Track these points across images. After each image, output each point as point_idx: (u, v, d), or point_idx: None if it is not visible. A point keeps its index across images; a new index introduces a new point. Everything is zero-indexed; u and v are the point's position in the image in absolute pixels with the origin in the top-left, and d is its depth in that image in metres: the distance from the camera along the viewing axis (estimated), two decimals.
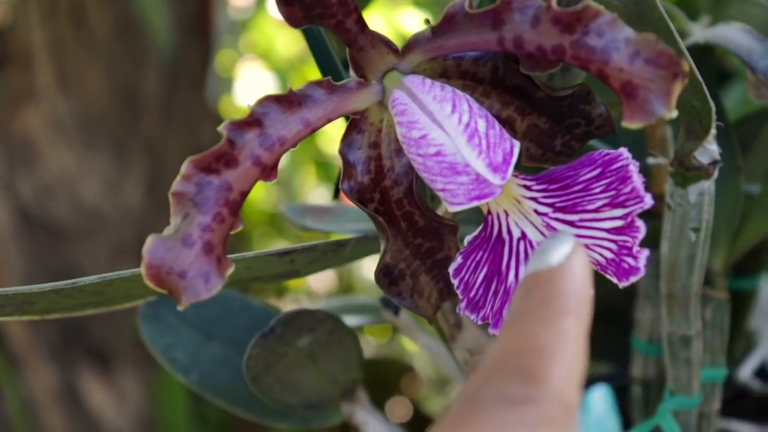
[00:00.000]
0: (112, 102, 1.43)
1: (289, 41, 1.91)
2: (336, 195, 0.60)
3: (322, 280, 1.77)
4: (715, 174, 0.51)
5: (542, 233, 0.44)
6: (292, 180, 1.81)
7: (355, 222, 0.59)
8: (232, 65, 1.90)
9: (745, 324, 0.72)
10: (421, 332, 0.68)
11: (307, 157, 1.87)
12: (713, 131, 0.50)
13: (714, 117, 0.49)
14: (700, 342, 0.57)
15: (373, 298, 0.69)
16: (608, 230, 0.43)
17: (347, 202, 0.63)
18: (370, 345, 1.67)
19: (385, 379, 1.60)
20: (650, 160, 0.57)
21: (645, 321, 0.65)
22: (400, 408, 1.60)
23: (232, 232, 0.42)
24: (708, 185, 0.52)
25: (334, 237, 0.54)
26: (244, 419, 0.64)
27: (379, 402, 0.63)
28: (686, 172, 0.52)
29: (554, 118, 0.47)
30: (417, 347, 1.52)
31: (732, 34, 0.55)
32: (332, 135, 1.87)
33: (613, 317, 0.74)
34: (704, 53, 0.58)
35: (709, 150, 0.51)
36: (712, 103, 0.48)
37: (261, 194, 1.84)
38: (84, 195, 1.42)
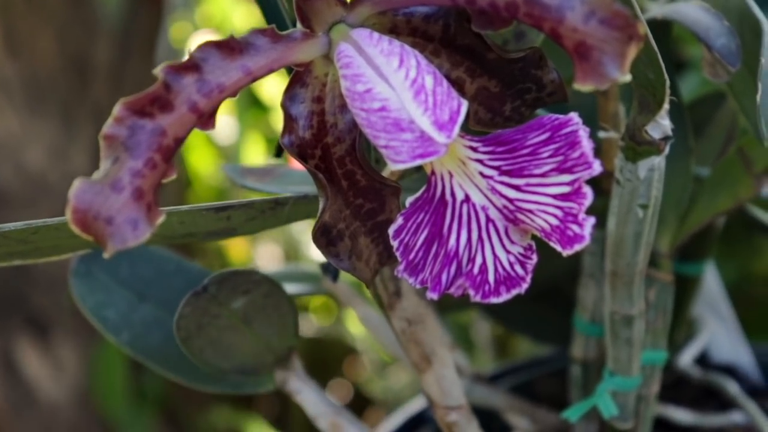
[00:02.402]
0: (61, 67, 1.40)
1: (244, 14, 1.88)
2: (278, 154, 0.58)
3: (269, 258, 1.75)
4: (666, 150, 0.51)
5: (486, 197, 0.43)
6: (242, 156, 1.79)
7: (298, 184, 0.58)
8: (186, 37, 1.87)
9: (688, 310, 0.72)
10: (361, 302, 0.66)
11: (259, 134, 1.84)
12: (666, 105, 0.49)
13: (668, 91, 0.48)
14: (642, 322, 0.57)
15: (314, 266, 0.67)
16: (554, 196, 0.41)
17: (291, 163, 0.62)
18: (314, 325, 1.66)
19: (327, 359, 1.58)
20: (601, 134, 0.56)
21: (588, 300, 0.64)
22: (341, 390, 1.59)
23: (164, 181, 0.40)
24: (658, 161, 0.51)
25: None
26: (183, 395, 0.62)
27: (320, 382, 0.61)
28: (637, 146, 0.51)
29: (505, 81, 0.46)
30: (361, 330, 1.51)
31: (690, 11, 0.54)
32: None
33: (555, 298, 0.73)
34: (661, 29, 0.57)
35: (661, 125, 0.50)
36: (666, 76, 0.47)
37: (210, 170, 1.82)
38: (28, 161, 1.40)
